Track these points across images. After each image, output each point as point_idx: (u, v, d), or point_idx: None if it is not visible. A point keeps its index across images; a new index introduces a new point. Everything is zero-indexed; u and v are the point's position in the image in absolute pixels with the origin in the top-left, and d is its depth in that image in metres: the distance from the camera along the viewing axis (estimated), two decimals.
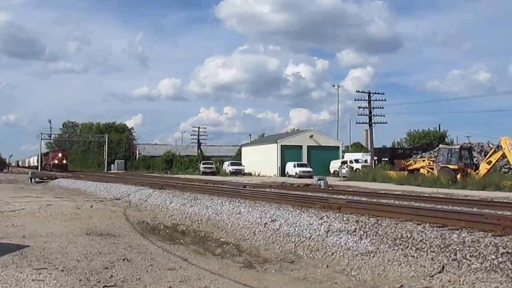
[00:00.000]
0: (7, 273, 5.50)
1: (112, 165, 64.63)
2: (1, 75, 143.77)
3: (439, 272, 5.67)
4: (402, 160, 32.52)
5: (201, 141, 67.25)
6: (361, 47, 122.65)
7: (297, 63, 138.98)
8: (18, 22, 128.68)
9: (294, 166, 42.55)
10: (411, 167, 30.18)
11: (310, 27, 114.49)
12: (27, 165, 80.00)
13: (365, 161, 41.11)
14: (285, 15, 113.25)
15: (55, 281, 5.25)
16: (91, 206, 13.83)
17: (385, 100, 39.24)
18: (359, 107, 39.35)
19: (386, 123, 39.67)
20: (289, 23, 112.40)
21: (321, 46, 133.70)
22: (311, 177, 35.19)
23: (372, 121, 39.14)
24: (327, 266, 6.72)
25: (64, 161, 55.53)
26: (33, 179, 29.86)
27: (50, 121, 68.90)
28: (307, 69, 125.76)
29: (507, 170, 26.35)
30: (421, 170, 28.95)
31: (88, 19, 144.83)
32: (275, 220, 9.26)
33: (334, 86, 65.62)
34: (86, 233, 8.87)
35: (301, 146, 48.07)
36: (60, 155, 55.75)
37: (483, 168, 24.46)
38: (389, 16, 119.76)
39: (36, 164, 65.47)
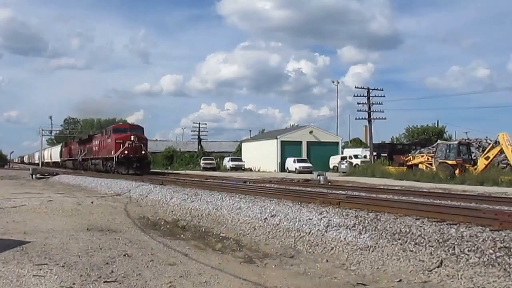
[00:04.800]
0: (8, 269, 5.53)
1: None
2: (3, 72, 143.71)
3: (438, 267, 5.71)
4: (401, 156, 32.65)
5: (201, 137, 67.43)
6: (362, 44, 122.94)
7: (298, 59, 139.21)
8: (21, 19, 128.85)
9: (294, 162, 42.62)
10: (410, 163, 30.24)
11: (312, 24, 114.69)
12: (36, 161, 64.15)
13: (364, 156, 41.15)
14: (287, 11, 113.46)
15: (56, 277, 5.28)
16: (92, 202, 13.85)
17: (384, 96, 39.44)
18: (358, 103, 39.52)
19: (385, 119, 39.93)
20: (291, 20, 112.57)
21: (322, 42, 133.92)
22: (310, 172, 35.31)
23: (371, 117, 39.26)
24: (327, 260, 6.75)
25: (143, 152, 28.19)
26: (34, 175, 29.91)
27: (51, 118, 68.46)
28: (308, 66, 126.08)
29: (504, 165, 26.40)
30: (420, 166, 29.00)
31: (90, 15, 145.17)
32: (275, 215, 9.29)
33: (333, 82, 65.49)
34: (87, 229, 8.90)
35: (300, 142, 48.14)
36: (132, 137, 27.53)
37: (481, 163, 24.56)
38: (390, 13, 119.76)
39: (57, 159, 46.89)
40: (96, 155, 31.89)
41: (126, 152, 27.01)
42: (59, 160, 46.10)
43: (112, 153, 27.63)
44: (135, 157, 27.25)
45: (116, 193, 17.24)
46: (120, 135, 28.18)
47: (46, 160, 57.40)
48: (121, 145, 27.21)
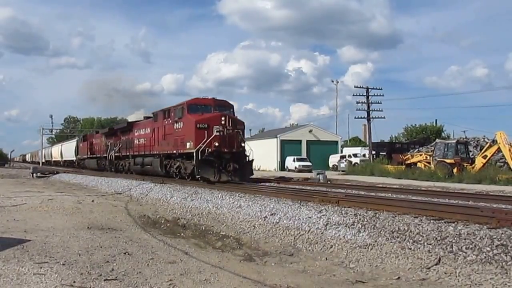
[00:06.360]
0: (9, 267, 5.56)
1: None
2: (4, 71, 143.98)
3: (436, 264, 5.75)
4: (400, 155, 32.69)
5: None
6: (362, 43, 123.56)
7: (298, 58, 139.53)
8: (22, 18, 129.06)
9: (294, 161, 42.65)
10: (409, 161, 30.28)
11: (312, 23, 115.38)
12: (42, 160, 54.22)
13: (364, 155, 41.23)
14: (287, 11, 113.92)
15: (56, 275, 5.30)
16: (93, 201, 13.89)
17: (383, 95, 39.55)
18: (357, 103, 39.56)
19: (384, 118, 39.92)
20: (291, 19, 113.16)
21: (323, 42, 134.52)
22: (310, 171, 35.29)
23: (371, 116, 39.31)
24: (326, 258, 6.80)
25: (242, 145, 17.26)
26: (34, 174, 29.96)
27: (51, 116, 68.65)
28: (308, 65, 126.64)
29: (502, 164, 26.49)
30: (418, 164, 29.04)
31: (91, 15, 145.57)
32: (275, 213, 9.34)
33: (333, 81, 65.58)
34: (88, 227, 8.93)
35: (300, 141, 48.18)
36: (223, 120, 16.34)
37: (479, 162, 24.65)
38: (389, 13, 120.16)
39: (72, 157, 37.92)
40: (147, 151, 20.92)
41: (216, 144, 16.17)
42: (74, 158, 36.61)
43: (189, 146, 16.75)
44: (230, 154, 16.67)
45: (116, 192, 17.27)
46: (203, 116, 16.92)
47: (54, 159, 48.37)
48: (206, 133, 16.21)
